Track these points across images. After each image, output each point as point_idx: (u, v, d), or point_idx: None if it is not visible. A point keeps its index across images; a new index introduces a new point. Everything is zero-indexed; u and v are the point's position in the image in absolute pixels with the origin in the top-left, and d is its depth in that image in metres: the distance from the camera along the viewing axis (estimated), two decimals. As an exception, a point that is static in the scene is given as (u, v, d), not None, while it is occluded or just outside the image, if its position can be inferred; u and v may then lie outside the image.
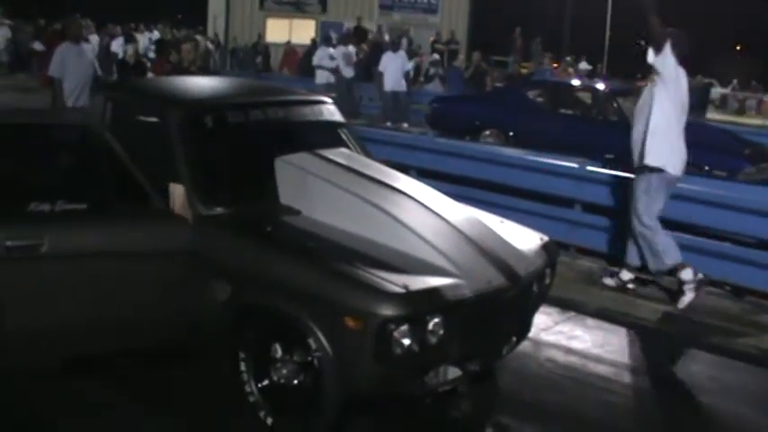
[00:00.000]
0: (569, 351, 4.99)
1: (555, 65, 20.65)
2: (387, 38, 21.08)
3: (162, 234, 3.85)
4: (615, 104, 10.16)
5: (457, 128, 11.06)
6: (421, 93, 16.28)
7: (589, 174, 7.07)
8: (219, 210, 3.94)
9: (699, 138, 9.76)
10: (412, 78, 17.17)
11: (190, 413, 3.93)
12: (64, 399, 3.94)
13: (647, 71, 6.07)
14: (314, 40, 22.26)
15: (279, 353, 3.62)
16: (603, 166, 7.05)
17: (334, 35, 18.68)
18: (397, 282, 3.41)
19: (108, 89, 5.30)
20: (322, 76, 16.23)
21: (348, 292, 3.38)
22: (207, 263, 3.81)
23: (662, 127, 5.77)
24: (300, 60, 21.47)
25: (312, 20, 27.39)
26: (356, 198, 3.96)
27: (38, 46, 20.16)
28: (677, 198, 6.28)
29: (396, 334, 3.30)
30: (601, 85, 11.48)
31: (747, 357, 5.13)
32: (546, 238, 4.43)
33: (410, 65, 16.76)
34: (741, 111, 25.78)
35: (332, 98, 5.20)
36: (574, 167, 7.15)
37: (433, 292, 3.46)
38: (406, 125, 14.33)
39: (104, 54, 17.80)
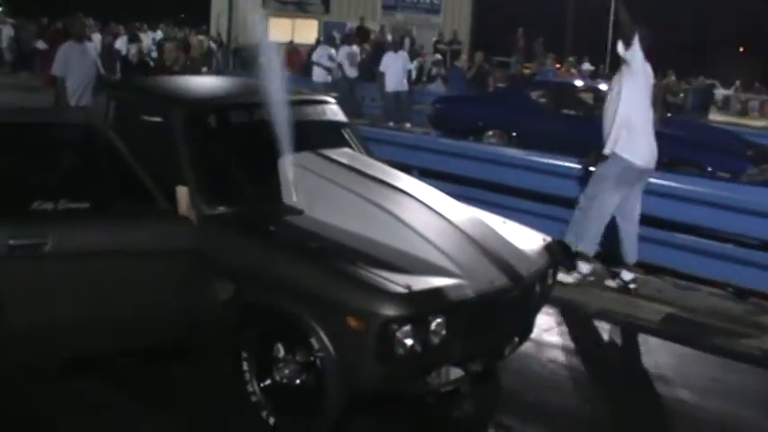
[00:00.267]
0: (571, 352, 4.99)
1: (558, 65, 20.63)
2: (389, 38, 21.06)
3: (165, 233, 3.84)
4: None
5: (460, 128, 11.05)
6: (423, 93, 16.26)
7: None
8: (223, 209, 3.94)
9: (701, 139, 9.88)
10: (415, 79, 17.16)
11: (189, 413, 3.92)
12: (63, 398, 3.93)
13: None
14: (318, 41, 22.25)
15: (281, 352, 3.61)
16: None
17: (337, 35, 18.67)
18: (399, 282, 3.40)
19: (111, 88, 5.30)
20: (319, 75, 16.20)
21: (351, 292, 3.38)
22: (210, 262, 3.81)
23: (630, 117, 5.85)
24: (304, 60, 21.45)
25: (315, 20, 27.41)
26: (359, 198, 3.96)
27: (41, 45, 20.20)
28: (679, 199, 6.28)
29: (398, 334, 3.30)
30: (603, 86, 11.45)
31: (750, 359, 5.12)
32: (548, 239, 4.43)
33: (411, 65, 16.75)
34: (744, 112, 25.79)
35: (335, 98, 5.21)
36: (576, 168, 7.14)
37: (436, 292, 3.46)
38: (408, 125, 14.32)
39: (107, 53, 17.84)
